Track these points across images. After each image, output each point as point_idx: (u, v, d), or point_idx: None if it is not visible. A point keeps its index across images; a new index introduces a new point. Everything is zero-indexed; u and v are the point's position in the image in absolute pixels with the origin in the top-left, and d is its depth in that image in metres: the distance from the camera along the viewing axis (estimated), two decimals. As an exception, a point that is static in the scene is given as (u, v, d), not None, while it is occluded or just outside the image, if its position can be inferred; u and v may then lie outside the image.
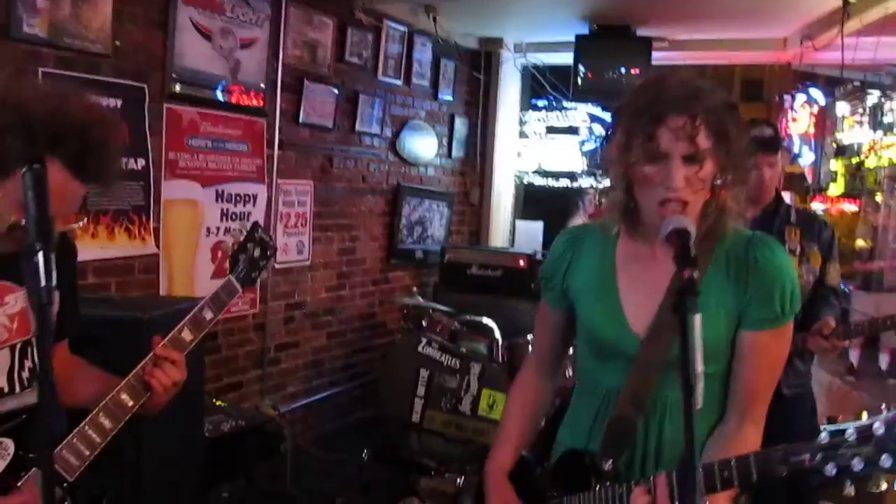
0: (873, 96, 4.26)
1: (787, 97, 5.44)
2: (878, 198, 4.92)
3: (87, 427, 1.67)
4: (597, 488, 1.57)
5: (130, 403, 1.71)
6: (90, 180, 1.58)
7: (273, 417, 3.71)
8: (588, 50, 5.75)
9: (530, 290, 5.71)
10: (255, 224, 2.18)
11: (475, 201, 6.70)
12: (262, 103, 4.40)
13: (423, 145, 5.94)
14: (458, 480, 3.62)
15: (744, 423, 1.55)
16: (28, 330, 1.66)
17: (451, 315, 4.43)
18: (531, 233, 6.89)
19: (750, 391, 1.57)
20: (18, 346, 1.65)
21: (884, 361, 7.81)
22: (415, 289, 5.22)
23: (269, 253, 2.14)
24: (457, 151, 6.42)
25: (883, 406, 1.20)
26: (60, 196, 1.48)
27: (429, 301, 4.93)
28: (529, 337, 4.03)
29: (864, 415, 1.19)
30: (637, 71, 5.74)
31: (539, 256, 6.01)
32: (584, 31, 5.71)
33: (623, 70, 5.79)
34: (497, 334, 4.11)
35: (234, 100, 4.21)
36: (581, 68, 5.78)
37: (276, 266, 4.62)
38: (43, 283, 1.17)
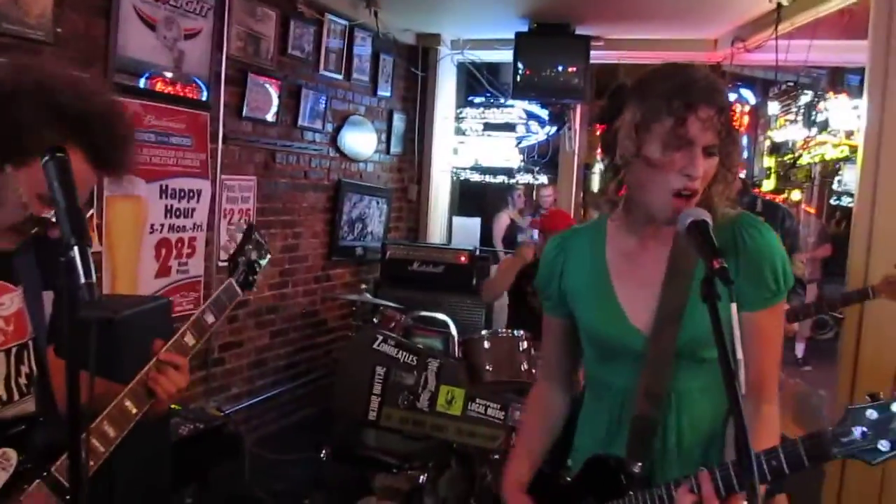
0: (807, 96, 4.47)
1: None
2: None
3: (91, 437, 1.56)
4: (632, 494, 1.53)
5: (134, 411, 1.62)
6: (108, 170, 1.50)
7: (230, 419, 3.60)
8: (527, 47, 5.80)
9: (472, 286, 5.76)
10: (251, 226, 2.11)
11: (413, 197, 6.68)
12: (205, 96, 4.26)
13: (362, 141, 5.88)
14: (421, 478, 3.59)
15: (760, 404, 1.54)
16: (24, 332, 1.55)
17: (403, 311, 4.40)
18: (468, 229, 6.93)
19: (758, 372, 1.56)
20: (14, 350, 1.54)
21: (799, 350, 8.23)
22: (363, 286, 5.16)
23: (264, 254, 2.08)
24: (395, 147, 6.38)
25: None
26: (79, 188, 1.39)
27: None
28: (483, 332, 4.03)
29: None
30: (574, 69, 5.84)
31: (479, 253, 6.07)
32: (524, 28, 5.76)
33: (561, 68, 5.87)
34: (453, 330, 4.10)
35: (177, 91, 4.06)
36: (520, 66, 5.83)
37: (219, 264, 4.49)
38: (83, 279, 1.10)
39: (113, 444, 1.60)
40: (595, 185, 11.46)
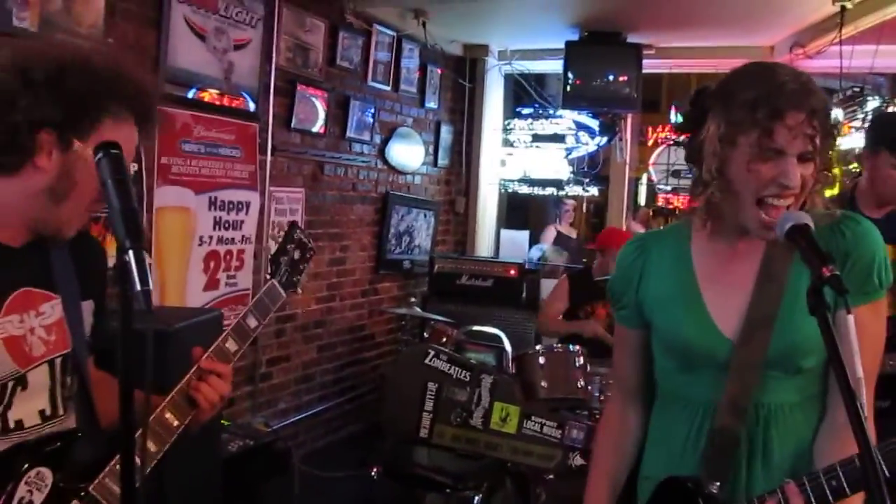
0: (874, 101, 4.28)
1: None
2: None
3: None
4: None
5: (176, 423, 1.53)
6: (145, 124, 1.45)
7: (279, 436, 3.52)
8: (577, 56, 5.69)
9: (521, 299, 5.64)
10: (293, 224, 2.02)
11: (460, 210, 6.58)
12: (253, 107, 4.22)
13: (410, 153, 5.81)
14: (476, 499, 3.46)
15: (842, 433, 1.41)
16: (66, 343, 1.47)
17: (454, 325, 4.28)
18: (516, 242, 6.81)
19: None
20: (59, 361, 1.46)
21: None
22: (412, 299, 5.06)
23: (308, 255, 1.99)
24: (442, 159, 6.30)
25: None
26: (128, 153, 1.32)
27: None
28: (538, 347, 3.90)
29: None
30: (625, 78, 5.71)
31: (528, 266, 5.95)
32: (574, 37, 5.65)
33: (611, 77, 5.75)
34: (507, 345, 3.98)
35: (226, 102, 4.02)
36: (570, 75, 5.72)
37: (267, 276, 4.42)
38: (139, 286, 1.00)
39: (154, 460, 1.50)
40: (642, 198, 11.29)
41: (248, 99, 4.17)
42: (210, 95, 3.92)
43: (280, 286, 1.86)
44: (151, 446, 1.51)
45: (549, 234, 7.59)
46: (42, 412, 1.43)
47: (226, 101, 4.03)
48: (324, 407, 5.15)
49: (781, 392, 1.45)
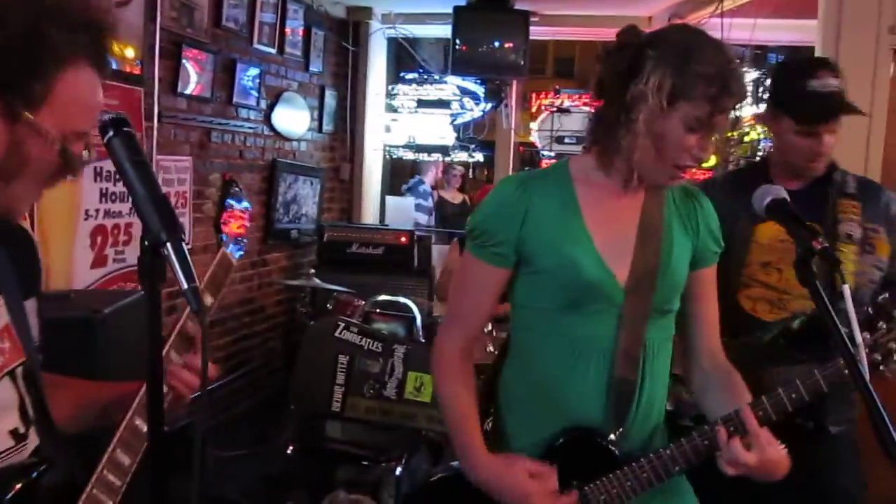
0: (752, 73, 4.55)
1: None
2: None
3: (105, 471, 1.27)
4: (635, 464, 1.49)
5: (146, 429, 1.38)
6: (103, 61, 1.19)
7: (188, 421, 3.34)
8: (465, 22, 5.67)
9: (413, 266, 5.63)
10: (228, 181, 1.84)
11: (345, 177, 6.46)
12: (139, 70, 3.93)
13: (296, 119, 5.62)
14: (398, 470, 3.46)
15: (719, 355, 1.64)
16: (20, 350, 1.26)
17: (358, 296, 4.23)
18: (401, 209, 6.77)
19: (714, 325, 1.65)
20: (20, 371, 1.26)
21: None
22: (311, 270, 4.94)
23: (246, 210, 1.82)
24: (327, 125, 6.14)
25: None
26: (93, 107, 1.14)
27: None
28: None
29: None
30: (512, 44, 5.76)
31: (418, 233, 5.95)
32: (462, 2, 5.62)
33: (497, 43, 5.77)
34: (417, 313, 3.97)
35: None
36: (457, 41, 5.70)
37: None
38: (185, 284, 0.90)
39: (130, 474, 1.30)
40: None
41: (132, 62, 3.88)
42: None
43: (229, 254, 1.72)
44: (125, 459, 1.33)
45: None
46: (14, 432, 1.24)
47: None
48: (215, 385, 4.95)
49: (655, 334, 1.53)
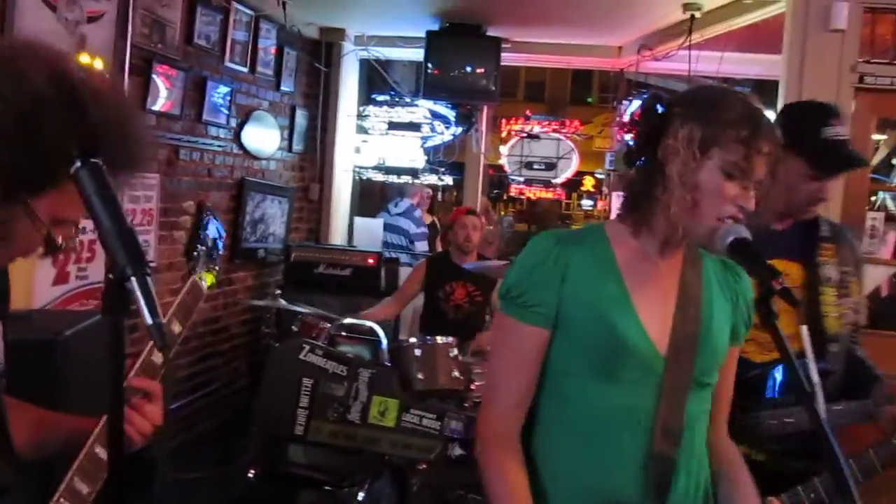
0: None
1: (624, 103, 5.77)
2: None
3: (62, 500, 1.25)
4: None
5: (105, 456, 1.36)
6: (123, 174, 1.18)
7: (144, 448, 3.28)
8: (438, 47, 5.72)
9: (380, 288, 5.62)
10: (202, 206, 1.84)
11: (314, 197, 6.44)
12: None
13: (266, 138, 5.60)
14: (360, 495, 3.43)
15: (723, 434, 1.62)
16: None
17: (325, 318, 4.19)
18: (370, 230, 6.76)
19: (726, 405, 1.63)
20: None
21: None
22: (277, 291, 4.90)
23: (220, 236, 1.82)
24: (297, 145, 6.13)
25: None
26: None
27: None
28: (413, 340, 3.90)
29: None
30: (483, 70, 5.81)
31: (388, 254, 5.95)
32: (435, 27, 5.67)
33: (470, 68, 5.83)
34: (382, 337, 3.94)
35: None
36: (429, 65, 5.74)
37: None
38: (149, 320, 0.90)
39: (89, 502, 1.27)
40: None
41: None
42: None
43: (200, 282, 1.71)
44: (83, 487, 1.31)
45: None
46: None
47: (77, 79, 3.68)
48: (176, 405, 4.88)
49: (693, 405, 1.48)
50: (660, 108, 1.48)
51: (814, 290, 1.95)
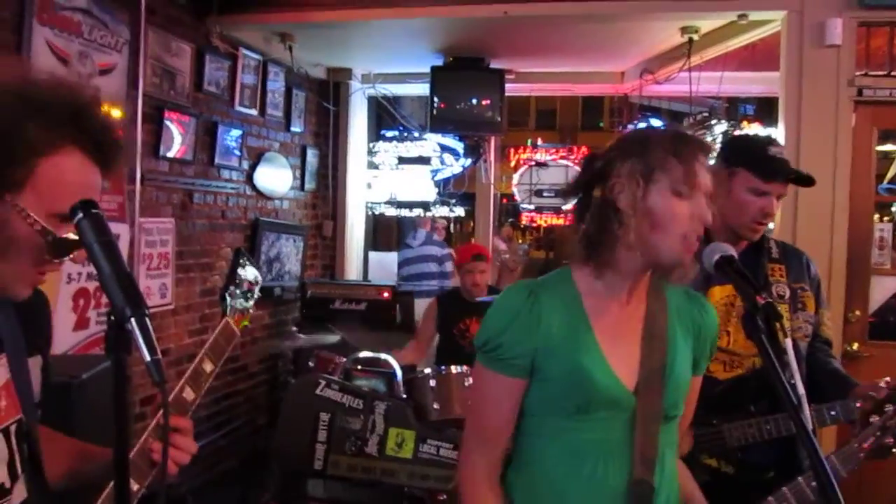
0: (722, 125, 4.69)
1: (629, 127, 5.84)
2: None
3: None
4: None
5: (136, 487, 1.44)
6: (108, 168, 1.27)
7: (173, 483, 3.34)
8: (443, 81, 5.81)
9: (395, 321, 5.68)
10: (239, 251, 1.91)
11: (328, 234, 6.53)
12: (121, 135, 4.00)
13: (278, 178, 5.71)
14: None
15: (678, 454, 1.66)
16: (17, 407, 1.33)
17: (340, 353, 4.25)
18: (384, 264, 6.84)
19: (684, 431, 1.70)
20: (13, 428, 1.31)
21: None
22: (294, 328, 4.97)
23: (256, 281, 1.88)
24: (309, 183, 6.24)
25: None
26: (81, 189, 1.18)
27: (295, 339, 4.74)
28: (427, 371, 3.95)
29: None
30: (488, 101, 5.90)
31: (402, 288, 6.01)
32: (439, 62, 5.77)
33: (475, 101, 5.91)
34: (397, 369, 3.99)
35: (92, 131, 3.80)
36: (436, 99, 5.83)
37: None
38: (147, 357, 0.96)
39: None
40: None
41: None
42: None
43: (233, 324, 1.77)
44: None
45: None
46: (1, 486, 1.29)
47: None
48: (199, 444, 4.92)
49: (664, 437, 1.53)
50: (597, 161, 1.56)
51: None
